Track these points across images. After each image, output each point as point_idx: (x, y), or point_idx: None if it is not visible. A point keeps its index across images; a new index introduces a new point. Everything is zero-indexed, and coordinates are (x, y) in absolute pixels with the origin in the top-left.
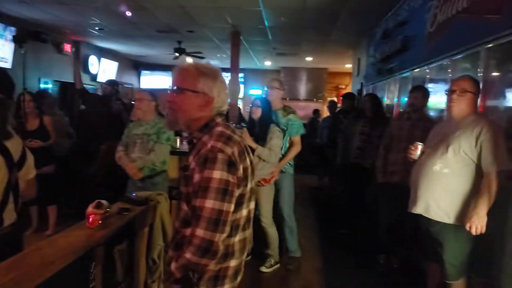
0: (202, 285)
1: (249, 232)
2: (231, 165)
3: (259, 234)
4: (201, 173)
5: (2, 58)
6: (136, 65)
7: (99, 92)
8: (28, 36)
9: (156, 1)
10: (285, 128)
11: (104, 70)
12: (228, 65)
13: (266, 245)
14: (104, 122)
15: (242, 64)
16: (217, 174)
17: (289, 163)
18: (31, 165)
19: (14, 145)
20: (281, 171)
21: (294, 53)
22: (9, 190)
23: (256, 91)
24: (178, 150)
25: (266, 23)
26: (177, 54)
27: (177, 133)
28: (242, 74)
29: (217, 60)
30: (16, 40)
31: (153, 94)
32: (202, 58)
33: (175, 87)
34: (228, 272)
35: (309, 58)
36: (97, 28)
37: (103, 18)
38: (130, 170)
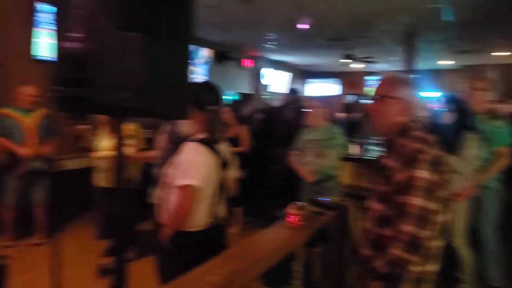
0: (405, 283)
1: (442, 242)
2: (433, 165)
3: (450, 253)
4: (404, 172)
5: (199, 75)
6: (303, 74)
7: (275, 102)
8: (219, 56)
9: (331, 11)
10: (488, 136)
11: (278, 81)
12: (399, 68)
13: (458, 268)
14: (282, 129)
15: (415, 65)
16: (420, 173)
17: (495, 177)
18: (235, 166)
19: (224, 148)
20: (484, 186)
21: (478, 49)
22: (221, 188)
23: (431, 93)
24: (352, 156)
25: (446, 19)
26: (347, 60)
27: (350, 139)
28: (416, 75)
29: (388, 64)
30: (214, 59)
31: (324, 101)
32: (372, 62)
33: (377, 96)
34: (428, 276)
35: (499, 53)
36: (272, 42)
37: (278, 33)
38: (302, 173)
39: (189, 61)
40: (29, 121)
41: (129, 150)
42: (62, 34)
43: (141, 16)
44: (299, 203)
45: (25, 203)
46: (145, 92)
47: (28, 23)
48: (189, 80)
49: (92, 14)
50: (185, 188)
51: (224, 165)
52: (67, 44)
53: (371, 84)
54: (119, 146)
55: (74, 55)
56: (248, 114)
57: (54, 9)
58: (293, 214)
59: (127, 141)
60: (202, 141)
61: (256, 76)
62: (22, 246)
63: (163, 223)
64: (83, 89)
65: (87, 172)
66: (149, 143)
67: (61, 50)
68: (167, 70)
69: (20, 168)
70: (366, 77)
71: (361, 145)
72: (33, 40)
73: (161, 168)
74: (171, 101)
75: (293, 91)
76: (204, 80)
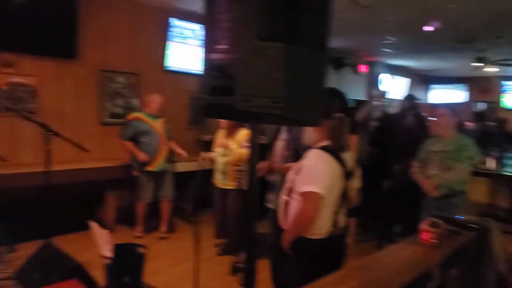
0: None
1: None
2: None
3: None
4: None
5: None
6: (425, 79)
7: (392, 109)
8: (334, 62)
9: (463, 10)
10: None
11: (396, 87)
12: None
13: None
14: (402, 138)
15: None
16: None
17: None
18: (358, 176)
19: (348, 157)
20: None
21: None
22: (344, 197)
23: None
24: (487, 171)
25: None
26: (479, 64)
27: (483, 151)
28: None
29: None
30: (330, 65)
31: (454, 109)
32: (510, 65)
33: None
34: None
35: None
36: (391, 47)
37: (399, 36)
38: (425, 187)
39: (326, 69)
40: (158, 125)
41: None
42: (209, 46)
43: (281, 26)
44: (433, 219)
45: (154, 200)
46: (284, 100)
47: (163, 37)
48: (324, 88)
49: (235, 26)
50: (309, 195)
51: (348, 174)
52: (213, 56)
53: (508, 90)
54: (252, 150)
55: (219, 65)
56: (363, 122)
57: (186, 24)
58: (426, 231)
59: (247, 145)
60: (326, 149)
61: (372, 82)
62: (149, 238)
63: (283, 228)
64: (225, 97)
65: (207, 173)
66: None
67: (208, 61)
68: (305, 78)
69: (151, 168)
70: (503, 82)
71: (499, 159)
72: (166, 52)
73: (278, 174)
74: (306, 108)
75: (410, 97)
76: (331, 87)
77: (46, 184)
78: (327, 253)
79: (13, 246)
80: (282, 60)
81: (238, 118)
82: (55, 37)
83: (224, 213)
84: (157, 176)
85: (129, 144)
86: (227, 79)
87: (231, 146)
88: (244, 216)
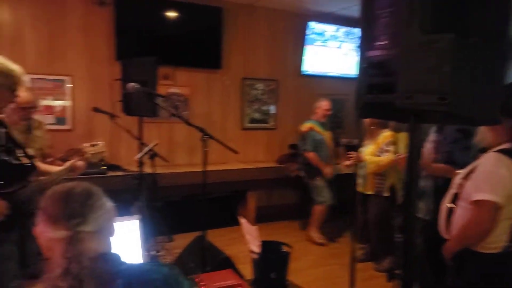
0: None
1: None
2: None
3: None
4: None
5: None
6: None
7: None
8: None
9: None
10: None
11: None
12: None
13: None
14: None
15: None
16: None
17: None
18: None
19: None
20: None
21: None
22: None
23: None
24: None
25: None
26: None
27: None
28: None
29: None
30: None
31: None
32: None
33: None
34: None
35: None
36: None
37: None
38: None
39: (506, 61)
40: (327, 134)
41: (388, 157)
42: (367, 44)
43: (448, 17)
44: None
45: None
46: (451, 96)
47: (300, 41)
48: (504, 83)
49: (396, 21)
50: (483, 204)
51: None
52: (372, 53)
53: None
54: (412, 153)
55: (378, 62)
56: None
57: (324, 26)
58: None
59: (387, 148)
60: (506, 152)
61: None
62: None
63: (446, 238)
64: (385, 95)
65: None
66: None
67: (366, 59)
68: (479, 72)
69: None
70: None
71: None
72: (303, 57)
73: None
74: (481, 105)
75: None
76: None
77: (203, 182)
78: (500, 271)
79: (172, 236)
80: (451, 53)
81: (397, 117)
82: (204, 51)
83: (365, 219)
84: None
85: (314, 156)
86: (387, 76)
87: (369, 152)
88: (384, 222)
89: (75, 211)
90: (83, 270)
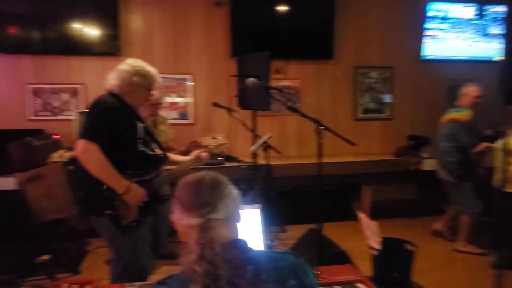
0: None
1: None
2: None
3: None
4: None
5: None
6: None
7: None
8: None
9: None
10: None
11: None
12: None
13: None
14: None
15: None
16: None
17: None
18: None
19: None
20: None
21: None
22: None
23: None
24: None
25: None
26: None
27: None
28: None
29: None
30: None
31: None
32: None
33: None
34: None
35: None
36: None
37: None
38: None
39: None
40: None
41: None
42: None
43: None
44: None
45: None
46: None
47: (418, 25)
48: None
49: None
50: None
51: None
52: None
53: None
54: None
55: None
56: None
57: (447, 6)
58: None
59: None
60: None
61: None
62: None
63: None
64: None
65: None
66: None
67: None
68: None
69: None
70: None
71: None
72: (422, 41)
73: None
74: None
75: None
76: None
77: (317, 174)
78: None
79: (284, 227)
80: None
81: None
82: (315, 43)
83: (504, 220)
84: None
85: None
86: None
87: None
88: None
89: (205, 199)
90: (216, 255)
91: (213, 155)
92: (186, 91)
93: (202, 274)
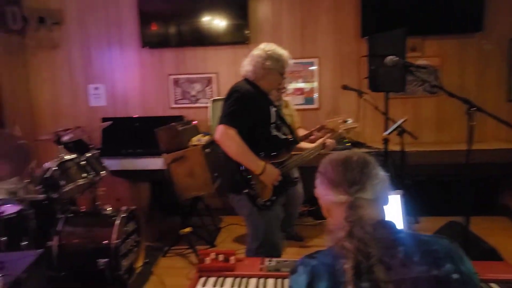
0: None
1: None
2: None
3: None
4: None
5: None
6: None
7: None
8: None
9: None
10: None
11: None
12: None
13: None
14: None
15: None
16: None
17: None
18: None
19: None
20: None
21: None
22: None
23: None
24: None
25: None
26: None
27: None
28: None
29: None
30: None
31: None
32: None
33: None
34: None
35: None
36: None
37: None
38: None
39: None
40: None
41: None
42: None
43: None
44: None
45: None
46: None
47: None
48: None
49: None
50: None
51: None
52: None
53: None
54: None
55: None
56: None
57: None
58: None
59: None
60: None
61: None
62: None
63: None
64: None
65: None
66: None
67: None
68: None
69: None
70: None
71: None
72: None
73: None
74: None
75: None
76: None
77: (465, 163)
78: None
79: (418, 218)
80: None
81: None
82: (460, 13)
83: None
84: None
85: None
86: None
87: None
88: None
89: (354, 178)
90: (365, 234)
91: (339, 141)
92: (311, 76)
93: (353, 251)
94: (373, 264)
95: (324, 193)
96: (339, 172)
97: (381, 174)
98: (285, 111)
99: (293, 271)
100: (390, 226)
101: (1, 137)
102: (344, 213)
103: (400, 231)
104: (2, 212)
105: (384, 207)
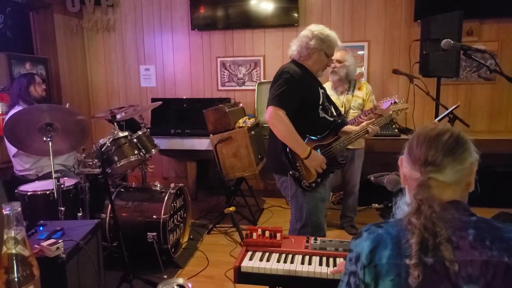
0: None
1: None
2: None
3: None
4: None
5: None
6: None
7: None
8: None
9: None
10: None
11: None
12: None
13: None
14: None
15: None
16: None
17: None
18: None
19: None
20: None
21: None
22: None
23: None
24: None
25: None
26: None
27: None
28: None
29: None
30: None
31: None
32: None
33: None
34: None
35: None
36: None
37: None
38: None
39: None
40: None
41: None
42: None
43: None
44: None
45: None
46: None
47: None
48: None
49: None
50: None
51: None
52: None
53: None
54: None
55: None
56: None
57: None
58: None
59: None
60: None
61: None
62: None
63: None
64: None
65: None
66: None
67: None
68: None
69: None
70: None
71: None
72: None
73: None
74: None
75: None
76: None
77: None
78: None
79: None
80: None
81: None
82: None
83: None
84: None
85: None
86: None
87: None
88: None
89: (434, 159)
90: (433, 213)
91: (388, 126)
92: (360, 60)
93: (420, 228)
94: (440, 243)
95: (404, 165)
96: (422, 149)
97: (471, 159)
98: (357, 94)
99: (358, 236)
100: (462, 208)
101: (62, 113)
102: (415, 189)
103: (473, 214)
104: (62, 184)
105: (466, 191)
